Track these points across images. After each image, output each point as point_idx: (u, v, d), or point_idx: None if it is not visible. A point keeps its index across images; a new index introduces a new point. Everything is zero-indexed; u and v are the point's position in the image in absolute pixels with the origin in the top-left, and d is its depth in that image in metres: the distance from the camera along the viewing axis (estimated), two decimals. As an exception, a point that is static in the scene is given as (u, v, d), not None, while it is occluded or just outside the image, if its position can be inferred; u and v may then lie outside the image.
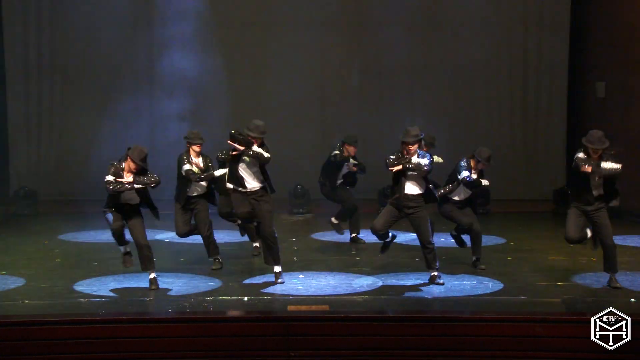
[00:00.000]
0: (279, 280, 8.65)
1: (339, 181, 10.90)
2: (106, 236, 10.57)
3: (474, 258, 9.52)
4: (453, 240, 9.73)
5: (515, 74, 15.70)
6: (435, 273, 8.67)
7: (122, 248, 8.63)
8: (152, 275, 8.51)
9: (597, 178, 8.23)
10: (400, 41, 15.27)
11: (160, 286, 8.50)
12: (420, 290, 8.47)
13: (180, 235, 9.49)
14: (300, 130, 15.10)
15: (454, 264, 9.65)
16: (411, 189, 8.49)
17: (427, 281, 8.71)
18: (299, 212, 13.95)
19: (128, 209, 8.42)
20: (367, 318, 7.49)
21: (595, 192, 8.31)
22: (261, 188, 8.56)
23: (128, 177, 8.28)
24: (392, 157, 8.49)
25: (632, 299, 8.05)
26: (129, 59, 15.18)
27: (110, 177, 8.20)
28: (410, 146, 8.42)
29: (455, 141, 14.92)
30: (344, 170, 10.85)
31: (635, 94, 13.90)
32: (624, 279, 8.85)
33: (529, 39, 15.62)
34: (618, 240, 11.32)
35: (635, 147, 13.85)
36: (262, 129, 8.52)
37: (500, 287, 8.55)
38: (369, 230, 8.85)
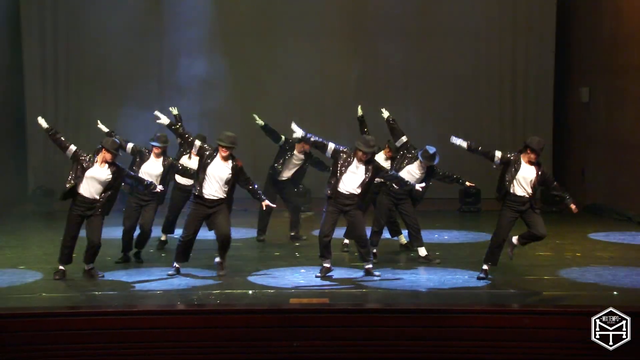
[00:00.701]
0: (220, 273, 8.60)
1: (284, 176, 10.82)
2: (118, 233, 10.58)
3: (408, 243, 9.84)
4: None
5: (504, 80, 15.71)
6: (370, 266, 8.63)
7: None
8: (89, 267, 8.49)
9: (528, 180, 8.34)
10: (395, 49, 15.28)
11: (169, 280, 8.49)
12: (415, 283, 8.47)
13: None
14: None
15: (446, 259, 9.65)
16: (347, 187, 8.44)
17: (420, 276, 8.72)
18: (301, 210, 13.88)
19: (87, 205, 8.36)
20: (365, 310, 7.50)
21: (522, 193, 8.36)
22: (220, 199, 8.50)
23: (103, 167, 8.31)
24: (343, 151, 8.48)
25: (615, 292, 8.05)
26: (141, 65, 15.19)
27: (71, 147, 8.39)
28: (363, 155, 8.37)
29: (446, 144, 14.93)
30: (291, 163, 10.78)
31: (618, 98, 13.90)
32: (606, 273, 8.87)
33: (517, 47, 15.63)
34: (600, 236, 11.39)
35: (617, 149, 13.87)
36: (232, 140, 8.47)
37: (491, 281, 8.54)
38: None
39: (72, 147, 8.43)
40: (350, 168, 8.42)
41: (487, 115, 15.71)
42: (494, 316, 7.27)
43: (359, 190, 8.48)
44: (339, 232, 11.32)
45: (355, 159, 8.43)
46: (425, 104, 15.42)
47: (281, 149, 10.87)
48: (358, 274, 8.90)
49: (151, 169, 9.35)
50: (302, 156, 10.84)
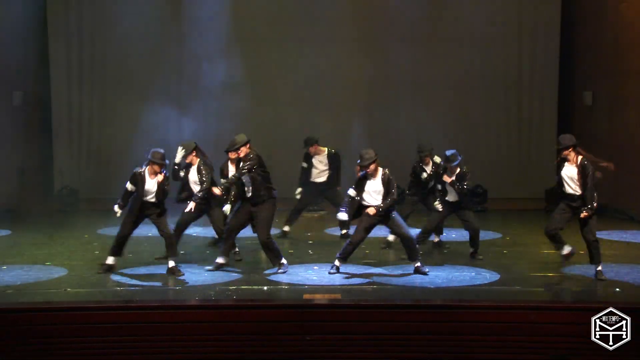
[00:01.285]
0: (280, 271, 8.63)
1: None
2: (140, 230, 10.61)
3: (471, 250, 9.53)
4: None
5: (510, 84, 15.62)
6: (419, 264, 8.64)
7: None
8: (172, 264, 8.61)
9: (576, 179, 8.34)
10: (405, 54, 15.23)
11: (187, 276, 8.52)
12: (424, 280, 8.43)
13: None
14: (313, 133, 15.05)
15: (454, 257, 9.61)
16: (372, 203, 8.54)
17: (429, 273, 8.67)
18: (314, 209, 13.89)
19: (149, 206, 8.65)
20: (376, 306, 7.45)
21: (572, 191, 8.37)
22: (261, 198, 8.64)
23: (153, 179, 8.58)
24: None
25: (617, 289, 7.98)
26: (162, 68, 15.21)
27: (129, 186, 8.63)
28: (367, 169, 8.47)
29: (455, 146, 14.89)
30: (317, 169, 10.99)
31: (620, 102, 13.80)
32: (609, 270, 8.78)
33: (522, 51, 15.54)
34: (604, 235, 11.29)
35: (619, 150, 13.75)
36: (232, 142, 8.65)
37: (497, 278, 8.49)
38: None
39: (130, 186, 8.66)
40: (367, 187, 8.51)
41: (494, 118, 15.63)
42: (499, 312, 7.22)
43: (380, 199, 8.52)
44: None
45: (366, 178, 8.53)
46: (433, 107, 15.36)
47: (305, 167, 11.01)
48: (368, 270, 8.88)
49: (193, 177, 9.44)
50: (324, 159, 10.94)
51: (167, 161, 8.90)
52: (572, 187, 8.38)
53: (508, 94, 15.65)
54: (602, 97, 14.32)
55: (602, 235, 11.28)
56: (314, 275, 8.64)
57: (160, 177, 8.60)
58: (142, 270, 8.88)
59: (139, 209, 8.67)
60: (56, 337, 7.04)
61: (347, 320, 7.21)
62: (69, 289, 7.99)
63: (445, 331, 7.14)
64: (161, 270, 8.82)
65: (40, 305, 7.33)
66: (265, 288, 8.05)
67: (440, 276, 8.58)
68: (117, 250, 8.76)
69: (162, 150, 8.69)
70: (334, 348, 7.12)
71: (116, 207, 8.73)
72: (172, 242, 8.70)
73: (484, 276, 8.58)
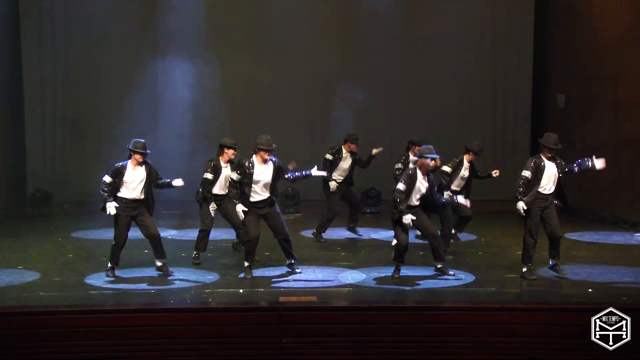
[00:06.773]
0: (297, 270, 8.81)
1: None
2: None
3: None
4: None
5: (485, 87, 15.72)
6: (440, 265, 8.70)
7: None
8: (159, 264, 8.65)
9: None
10: (384, 57, 15.27)
11: (163, 279, 8.46)
12: (400, 282, 8.44)
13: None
14: (292, 137, 15.02)
15: (431, 258, 9.62)
16: None
17: (404, 274, 8.69)
18: (290, 212, 13.87)
19: (136, 206, 8.53)
20: (352, 308, 7.46)
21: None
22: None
23: (136, 169, 8.48)
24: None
25: (590, 289, 8.05)
26: (136, 72, 15.08)
27: (107, 179, 8.47)
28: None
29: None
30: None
31: (592, 105, 13.94)
32: (582, 271, 8.87)
33: (496, 56, 15.65)
34: (575, 236, 11.41)
35: (592, 152, 13.87)
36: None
37: (473, 280, 8.53)
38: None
39: (108, 178, 8.47)
40: None
41: (468, 121, 15.70)
42: (475, 313, 7.26)
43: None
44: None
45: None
46: (408, 110, 15.41)
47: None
48: (344, 272, 8.87)
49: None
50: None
51: (148, 151, 8.70)
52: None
53: (482, 96, 15.75)
54: (575, 100, 14.46)
55: (574, 236, 11.43)
56: (290, 278, 8.61)
57: (147, 168, 8.49)
58: (117, 273, 8.78)
59: (125, 214, 8.50)
60: (29, 341, 6.96)
61: (323, 323, 7.20)
62: (42, 293, 7.89)
63: (421, 333, 7.15)
64: (135, 273, 8.74)
65: (12, 310, 7.22)
66: (240, 291, 8.02)
67: (416, 278, 8.59)
68: (118, 260, 8.65)
69: (143, 140, 8.58)
70: (311, 351, 7.10)
71: (113, 207, 8.39)
72: (159, 244, 8.66)
73: (459, 278, 8.61)
